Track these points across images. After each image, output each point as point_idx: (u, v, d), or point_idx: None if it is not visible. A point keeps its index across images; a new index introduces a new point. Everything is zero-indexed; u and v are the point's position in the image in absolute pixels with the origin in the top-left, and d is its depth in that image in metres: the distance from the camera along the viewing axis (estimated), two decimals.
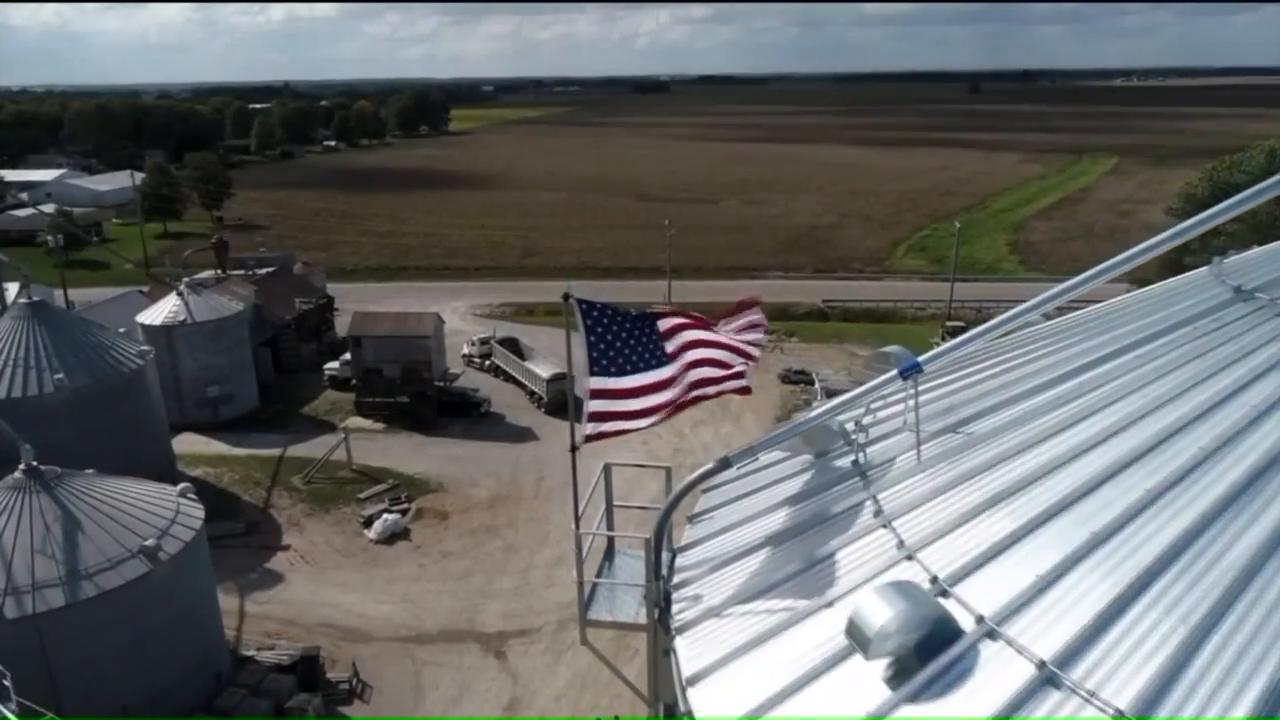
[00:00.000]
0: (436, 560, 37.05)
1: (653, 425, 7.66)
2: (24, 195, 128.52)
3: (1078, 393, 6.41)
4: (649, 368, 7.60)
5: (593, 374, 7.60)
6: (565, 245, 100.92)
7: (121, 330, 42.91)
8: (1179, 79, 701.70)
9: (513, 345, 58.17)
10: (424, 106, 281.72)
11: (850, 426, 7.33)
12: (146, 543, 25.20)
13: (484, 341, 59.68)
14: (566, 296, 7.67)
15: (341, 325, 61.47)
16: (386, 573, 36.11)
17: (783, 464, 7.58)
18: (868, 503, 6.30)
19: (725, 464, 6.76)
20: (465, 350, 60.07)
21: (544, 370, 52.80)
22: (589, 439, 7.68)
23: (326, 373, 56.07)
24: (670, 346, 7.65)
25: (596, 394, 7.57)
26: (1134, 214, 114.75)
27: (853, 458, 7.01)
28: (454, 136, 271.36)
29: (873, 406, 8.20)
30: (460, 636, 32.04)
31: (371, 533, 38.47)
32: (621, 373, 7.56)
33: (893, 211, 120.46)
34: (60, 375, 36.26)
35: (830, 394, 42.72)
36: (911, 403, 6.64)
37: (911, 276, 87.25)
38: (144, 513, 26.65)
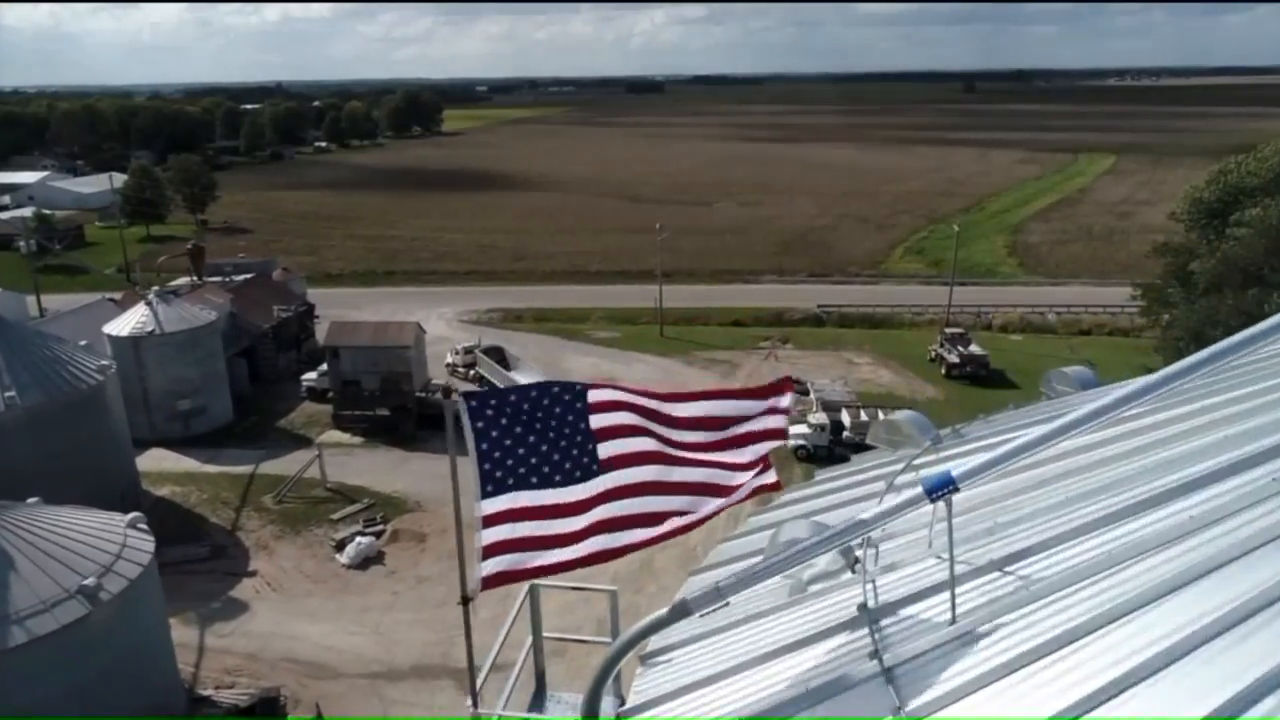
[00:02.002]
0: (411, 586, 35.08)
1: (583, 563, 5.77)
2: (5, 199, 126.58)
3: (1195, 526, 4.44)
4: (573, 480, 5.73)
5: (484, 495, 5.75)
6: (556, 248, 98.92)
7: (83, 343, 40.89)
8: (1173, 79, 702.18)
9: (498, 354, 56.24)
10: (416, 107, 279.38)
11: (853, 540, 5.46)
12: (86, 581, 23.21)
13: (468, 350, 57.73)
14: (448, 392, 5.82)
15: (322, 333, 59.49)
16: (358, 601, 34.15)
17: (764, 586, 5.69)
18: (882, 682, 4.41)
19: (684, 611, 4.90)
20: (449, 359, 58.11)
21: (529, 381, 50.79)
22: (487, 585, 5.82)
23: (304, 384, 54.09)
24: (610, 449, 5.77)
25: (491, 521, 5.72)
26: (1133, 215, 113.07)
27: (859, 594, 5.13)
28: (446, 137, 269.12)
29: (884, 493, 6.34)
30: (434, 673, 30.09)
31: (343, 557, 36.49)
32: (526, 485, 5.70)
33: (889, 213, 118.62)
34: (11, 393, 34.29)
35: (826, 406, 40.09)
36: (937, 513, 4.76)
37: (909, 280, 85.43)
38: (86, 547, 24.66)
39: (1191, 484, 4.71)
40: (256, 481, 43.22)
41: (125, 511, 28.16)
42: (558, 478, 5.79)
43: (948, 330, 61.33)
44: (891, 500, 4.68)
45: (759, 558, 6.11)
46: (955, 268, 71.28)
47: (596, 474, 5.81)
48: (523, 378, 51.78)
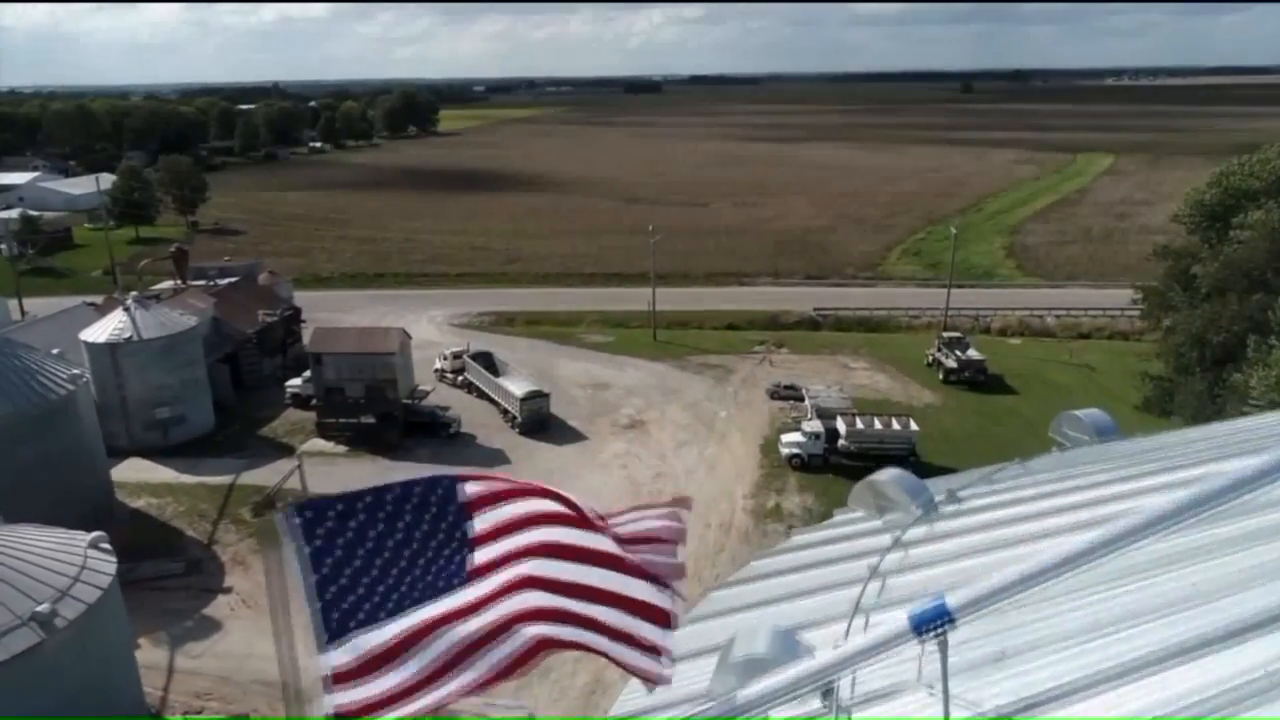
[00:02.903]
0: None
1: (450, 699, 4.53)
2: None
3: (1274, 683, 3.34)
4: (436, 592, 4.49)
5: (329, 645, 4.43)
6: (550, 250, 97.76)
7: (56, 350, 39.71)
8: (1171, 79, 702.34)
9: (486, 360, 55.06)
10: (412, 107, 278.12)
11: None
12: (39, 607, 22.11)
13: (457, 355, 56.56)
14: (267, 507, 4.61)
15: (309, 338, 58.33)
16: None
17: None
18: None
19: None
20: (437, 364, 56.93)
21: (518, 388, 49.71)
22: None
23: (288, 391, 52.90)
24: (485, 555, 4.58)
25: (342, 679, 4.42)
26: (1132, 216, 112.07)
27: None
28: (443, 137, 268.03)
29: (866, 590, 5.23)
30: None
31: None
32: (379, 617, 4.40)
33: (886, 214, 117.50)
34: None
35: (821, 413, 38.57)
36: (929, 647, 3.66)
37: (906, 282, 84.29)
38: (42, 569, 23.54)
39: (1268, 620, 3.58)
40: (236, 492, 41.97)
41: (95, 527, 27.06)
42: (419, 592, 4.54)
43: (945, 334, 60.20)
44: (869, 636, 3.56)
45: (712, 656, 5.04)
46: (953, 270, 70.17)
47: (464, 585, 4.59)
48: (512, 383, 50.69)
